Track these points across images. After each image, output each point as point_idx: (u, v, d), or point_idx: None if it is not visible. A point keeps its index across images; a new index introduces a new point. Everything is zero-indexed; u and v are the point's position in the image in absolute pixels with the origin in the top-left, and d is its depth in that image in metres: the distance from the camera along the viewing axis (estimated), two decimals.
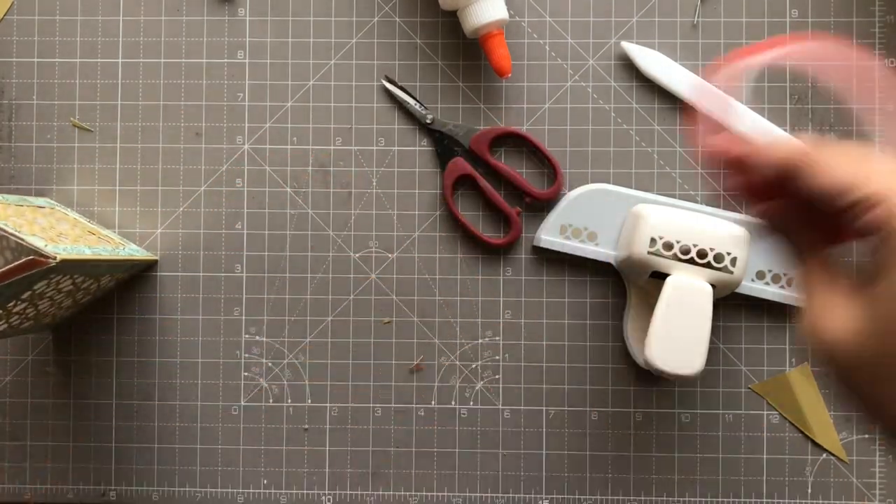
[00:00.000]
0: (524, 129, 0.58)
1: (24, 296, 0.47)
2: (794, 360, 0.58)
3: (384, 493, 0.58)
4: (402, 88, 0.58)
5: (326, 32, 0.59)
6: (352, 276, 0.58)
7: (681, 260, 0.52)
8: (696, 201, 0.58)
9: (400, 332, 0.58)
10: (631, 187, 0.58)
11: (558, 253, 0.58)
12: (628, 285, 0.57)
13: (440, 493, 0.58)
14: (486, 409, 0.58)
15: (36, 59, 0.59)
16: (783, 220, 0.38)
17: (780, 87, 0.58)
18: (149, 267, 0.59)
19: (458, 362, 0.58)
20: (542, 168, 0.59)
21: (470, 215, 0.58)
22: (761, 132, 0.44)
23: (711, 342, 0.54)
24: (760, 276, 0.57)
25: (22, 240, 0.45)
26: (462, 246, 0.58)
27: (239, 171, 0.59)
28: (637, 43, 0.58)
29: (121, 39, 0.59)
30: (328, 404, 0.58)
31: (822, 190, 0.34)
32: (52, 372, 0.59)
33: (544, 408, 0.58)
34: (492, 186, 0.58)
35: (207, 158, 0.59)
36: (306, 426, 0.58)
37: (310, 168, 0.59)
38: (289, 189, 0.59)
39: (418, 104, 0.58)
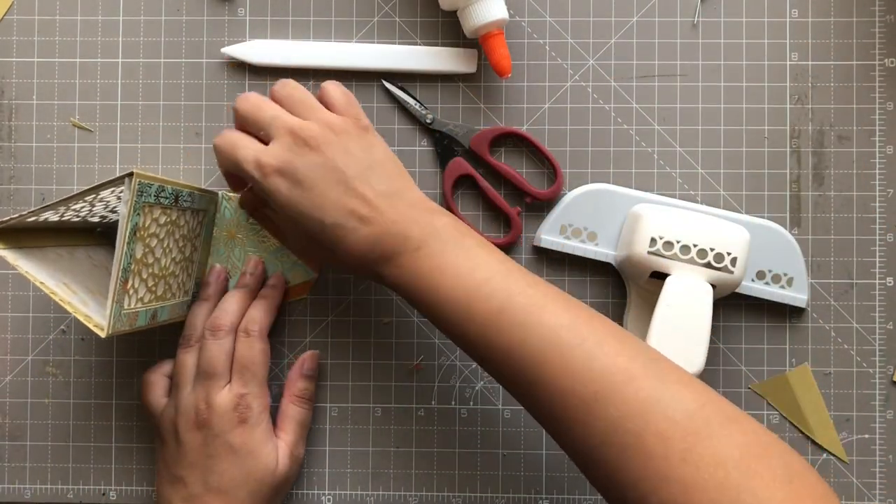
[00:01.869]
0: (524, 129, 0.58)
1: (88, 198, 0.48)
2: (794, 360, 0.58)
3: (384, 493, 0.58)
4: (402, 88, 0.58)
5: (326, 32, 0.59)
6: (352, 275, 0.58)
7: (681, 260, 0.52)
8: (696, 201, 0.58)
9: (400, 331, 0.58)
10: (631, 187, 0.58)
11: (558, 253, 0.58)
12: (628, 285, 0.57)
13: (440, 493, 0.58)
14: (486, 409, 0.58)
15: (36, 59, 0.59)
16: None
17: (781, 87, 0.58)
18: None
19: (458, 362, 0.58)
20: (542, 168, 0.59)
21: (470, 215, 0.58)
22: None
23: (711, 342, 0.54)
24: (760, 276, 0.57)
25: (77, 312, 0.46)
26: None
27: None
28: (636, 42, 0.58)
29: (121, 39, 0.59)
30: (328, 404, 0.58)
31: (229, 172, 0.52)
32: (53, 372, 0.59)
33: None
34: (492, 186, 0.58)
35: (207, 158, 0.59)
36: None
37: None
38: None
39: (418, 104, 0.58)
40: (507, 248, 0.58)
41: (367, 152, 0.50)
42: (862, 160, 0.58)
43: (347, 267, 0.51)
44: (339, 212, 0.48)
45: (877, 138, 0.58)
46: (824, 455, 0.57)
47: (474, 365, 0.58)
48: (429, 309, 0.48)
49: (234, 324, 0.54)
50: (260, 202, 0.57)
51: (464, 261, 0.48)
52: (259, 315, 0.55)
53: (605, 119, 0.58)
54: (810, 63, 0.58)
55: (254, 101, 0.51)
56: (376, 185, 0.49)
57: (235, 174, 0.51)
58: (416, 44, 0.59)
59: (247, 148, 0.50)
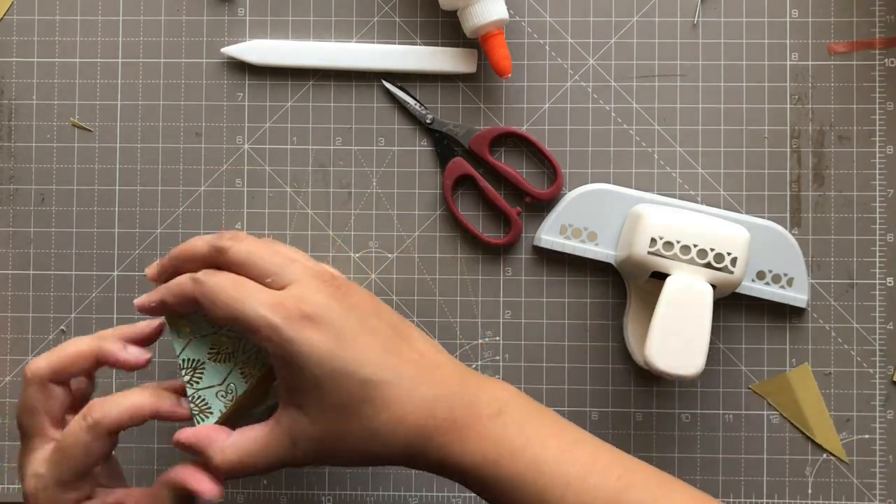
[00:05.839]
0: (524, 129, 0.58)
1: None
2: (794, 360, 0.58)
3: (384, 493, 0.58)
4: (402, 88, 0.58)
5: (326, 32, 0.59)
6: (352, 276, 0.58)
7: (681, 260, 0.52)
8: (696, 201, 0.58)
9: None
10: (631, 187, 0.58)
11: (558, 253, 0.58)
12: (628, 285, 0.57)
13: (440, 494, 0.58)
14: None
15: (36, 59, 0.59)
16: None
17: (781, 86, 0.58)
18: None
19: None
20: (542, 168, 0.59)
21: (470, 215, 0.58)
22: None
23: (711, 342, 0.54)
24: (760, 276, 0.57)
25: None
26: (462, 246, 0.58)
27: (239, 171, 0.59)
28: (636, 42, 0.58)
29: (121, 39, 0.59)
30: None
31: (222, 319, 0.41)
32: None
33: None
34: (492, 186, 0.58)
35: (207, 158, 0.59)
36: None
37: (310, 168, 0.59)
38: (289, 189, 0.59)
39: (418, 104, 0.58)
40: (507, 248, 0.58)
41: (374, 302, 0.43)
42: (862, 160, 0.58)
43: (369, 453, 0.41)
44: (388, 365, 0.40)
45: (877, 138, 0.58)
46: (824, 455, 0.57)
47: (474, 365, 0.58)
48: (523, 493, 0.39)
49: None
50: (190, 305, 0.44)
51: (561, 429, 0.41)
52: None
53: (605, 119, 0.58)
54: (810, 63, 0.58)
55: (256, 243, 0.42)
56: (415, 336, 0.42)
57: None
58: (416, 44, 0.59)
59: (258, 291, 0.40)
